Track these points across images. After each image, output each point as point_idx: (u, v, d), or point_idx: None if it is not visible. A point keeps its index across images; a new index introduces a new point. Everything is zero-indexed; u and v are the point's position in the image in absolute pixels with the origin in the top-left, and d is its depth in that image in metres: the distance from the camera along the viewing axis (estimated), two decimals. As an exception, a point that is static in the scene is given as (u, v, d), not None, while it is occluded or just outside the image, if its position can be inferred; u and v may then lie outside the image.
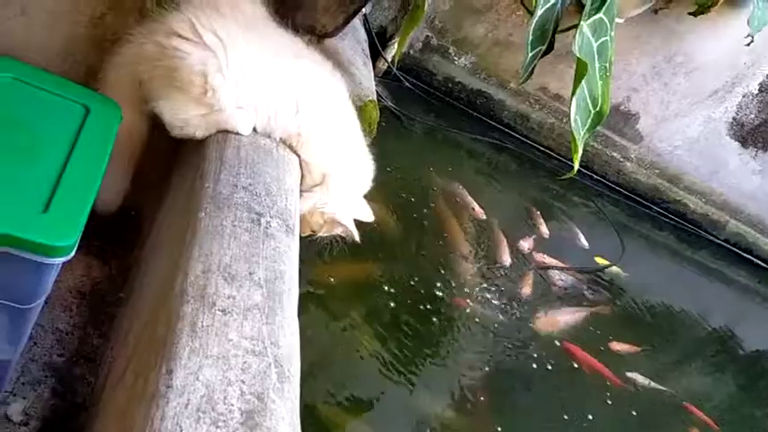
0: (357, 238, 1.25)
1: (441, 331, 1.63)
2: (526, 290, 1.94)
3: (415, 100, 2.50)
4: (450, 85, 2.60)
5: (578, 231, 2.45)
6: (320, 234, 1.27)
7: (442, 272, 1.80)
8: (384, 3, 2.28)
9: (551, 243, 2.23)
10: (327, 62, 1.25)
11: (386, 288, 1.62)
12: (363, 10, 2.22)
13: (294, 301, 0.89)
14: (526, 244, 2.13)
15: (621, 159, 2.88)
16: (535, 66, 1.29)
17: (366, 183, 1.31)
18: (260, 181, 1.02)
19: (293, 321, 0.85)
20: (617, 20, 2.35)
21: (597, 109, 1.36)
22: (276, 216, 0.98)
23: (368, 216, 1.29)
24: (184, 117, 1.10)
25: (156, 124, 1.16)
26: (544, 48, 1.25)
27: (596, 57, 1.26)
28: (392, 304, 1.60)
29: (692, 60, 2.61)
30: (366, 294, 1.57)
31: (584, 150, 2.79)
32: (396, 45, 2.43)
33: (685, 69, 2.64)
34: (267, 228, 0.94)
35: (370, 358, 1.47)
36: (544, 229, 2.29)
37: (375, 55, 2.41)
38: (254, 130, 1.13)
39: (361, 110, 1.43)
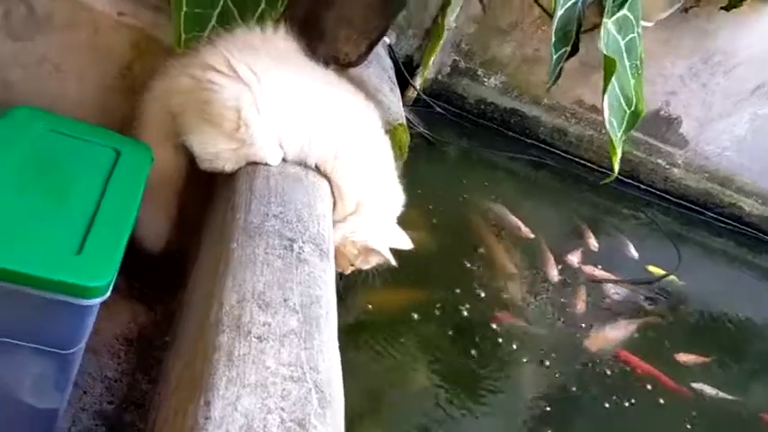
0: (394, 263, 1.23)
1: (491, 357, 1.56)
2: (580, 305, 1.87)
3: (448, 124, 2.48)
4: (482, 107, 2.58)
5: (629, 243, 2.37)
6: (358, 265, 1.26)
7: (488, 294, 1.74)
8: (408, 32, 2.28)
9: (600, 256, 2.15)
10: (360, 93, 1.25)
11: (430, 314, 1.57)
12: (386, 40, 2.24)
13: (332, 325, 0.86)
14: (575, 258, 2.06)
15: (668, 166, 2.79)
16: (562, 69, 1.26)
17: (396, 209, 1.29)
18: (291, 208, 1.02)
19: (332, 345, 0.83)
20: (645, 23, 2.31)
21: (632, 109, 1.32)
22: (309, 241, 0.96)
23: (405, 243, 1.26)
24: (214, 151, 1.10)
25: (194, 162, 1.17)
26: (569, 49, 1.22)
27: (625, 55, 1.22)
28: (437, 332, 1.55)
29: (729, 57, 2.53)
30: (409, 322, 1.51)
31: (628, 160, 2.76)
32: (424, 71, 2.44)
33: (724, 68, 2.56)
34: (300, 253, 0.93)
35: (419, 391, 1.41)
36: (593, 242, 2.22)
37: (403, 84, 2.42)
38: (284, 159, 1.13)
39: (390, 133, 1.42)
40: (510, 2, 2.35)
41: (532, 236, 2.04)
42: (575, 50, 1.23)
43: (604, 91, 1.16)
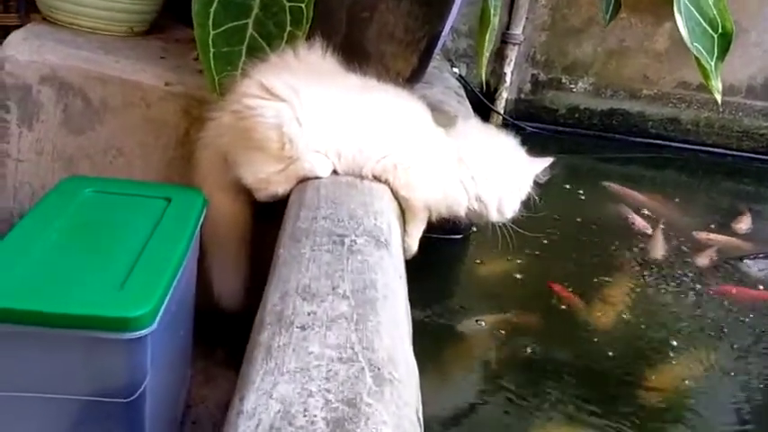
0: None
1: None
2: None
3: (545, 142, 2.32)
4: (576, 115, 2.40)
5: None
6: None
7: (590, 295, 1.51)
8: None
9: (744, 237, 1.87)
10: (402, 91, 1.17)
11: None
12: (456, 70, 2.17)
13: (395, 308, 0.74)
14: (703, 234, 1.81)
15: (807, 129, 2.45)
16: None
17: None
18: (343, 209, 0.93)
19: (395, 326, 0.71)
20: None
21: (720, 31, 1.15)
22: (363, 234, 0.86)
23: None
24: (264, 177, 1.06)
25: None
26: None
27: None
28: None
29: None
30: (527, 346, 1.33)
31: (761, 135, 2.44)
32: (504, 93, 2.33)
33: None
34: (352, 245, 0.83)
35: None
36: (742, 226, 1.93)
37: (486, 112, 2.32)
38: (336, 172, 1.06)
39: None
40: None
41: (649, 231, 1.80)
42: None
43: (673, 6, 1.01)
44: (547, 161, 1.21)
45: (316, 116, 1.03)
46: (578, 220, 1.87)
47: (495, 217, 1.15)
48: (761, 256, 1.71)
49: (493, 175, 1.13)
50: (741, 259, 1.69)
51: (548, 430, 1.11)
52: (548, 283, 1.52)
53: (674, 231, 1.82)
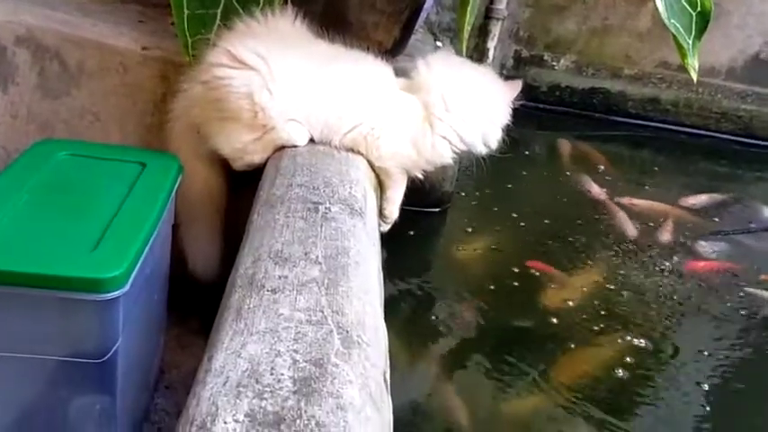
0: None
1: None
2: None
3: (525, 119, 2.28)
4: (557, 93, 2.41)
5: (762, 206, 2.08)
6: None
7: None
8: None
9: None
10: (368, 56, 1.16)
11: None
12: (438, 44, 2.16)
13: (367, 274, 0.75)
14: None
15: (788, 114, 2.47)
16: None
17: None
18: (318, 177, 0.93)
19: (365, 292, 0.72)
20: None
21: (699, 9, 1.16)
22: (338, 202, 0.87)
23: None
24: (240, 146, 1.05)
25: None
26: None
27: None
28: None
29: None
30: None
31: (738, 117, 2.48)
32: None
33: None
34: (326, 213, 0.84)
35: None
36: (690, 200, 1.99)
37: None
38: (312, 140, 1.06)
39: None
40: (562, -25, 2.22)
41: (602, 197, 1.92)
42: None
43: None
44: (518, 84, 1.19)
45: (285, 84, 1.03)
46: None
47: (482, 151, 1.16)
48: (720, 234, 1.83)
49: (473, 115, 1.12)
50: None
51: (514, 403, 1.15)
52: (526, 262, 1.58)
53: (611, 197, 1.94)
